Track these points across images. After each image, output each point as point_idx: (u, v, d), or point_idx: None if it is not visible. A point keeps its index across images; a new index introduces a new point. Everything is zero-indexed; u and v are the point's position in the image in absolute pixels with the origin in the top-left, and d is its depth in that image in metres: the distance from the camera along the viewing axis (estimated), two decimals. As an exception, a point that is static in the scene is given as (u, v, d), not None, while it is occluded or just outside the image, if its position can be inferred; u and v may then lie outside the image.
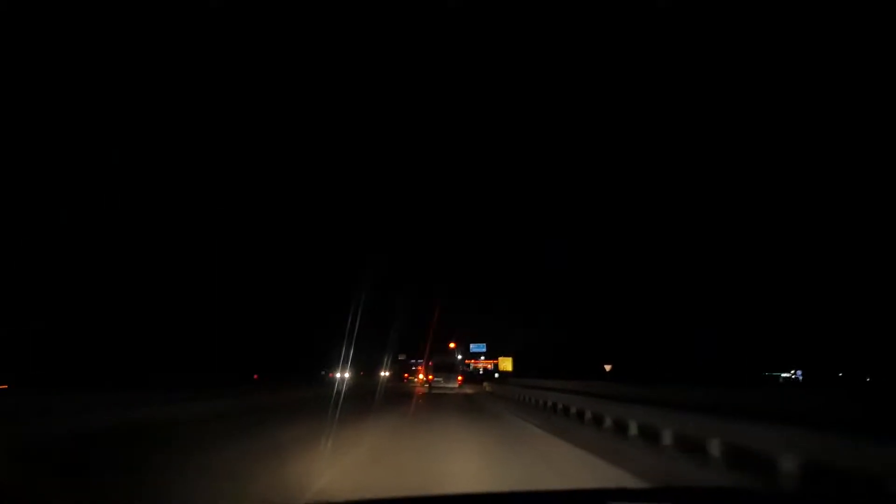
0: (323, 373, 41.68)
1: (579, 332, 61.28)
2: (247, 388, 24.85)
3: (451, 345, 62.25)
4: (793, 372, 69.90)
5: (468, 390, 40.99)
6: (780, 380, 63.84)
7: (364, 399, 23.42)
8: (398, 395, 31.69)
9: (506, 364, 66.33)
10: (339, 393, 20.59)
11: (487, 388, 40.44)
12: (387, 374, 51.51)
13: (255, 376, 36.32)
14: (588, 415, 14.97)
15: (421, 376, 46.41)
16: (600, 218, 74.38)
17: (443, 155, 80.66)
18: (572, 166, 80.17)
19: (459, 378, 43.98)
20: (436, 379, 43.02)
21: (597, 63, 58.61)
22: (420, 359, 77.32)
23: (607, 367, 35.71)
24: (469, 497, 3.20)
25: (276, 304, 45.71)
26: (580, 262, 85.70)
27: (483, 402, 26.60)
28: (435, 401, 26.31)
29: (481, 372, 75.99)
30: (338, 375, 35.30)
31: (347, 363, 32.06)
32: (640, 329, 58.45)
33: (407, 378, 65.71)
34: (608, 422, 13.35)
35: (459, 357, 60.27)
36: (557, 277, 74.76)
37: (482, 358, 79.70)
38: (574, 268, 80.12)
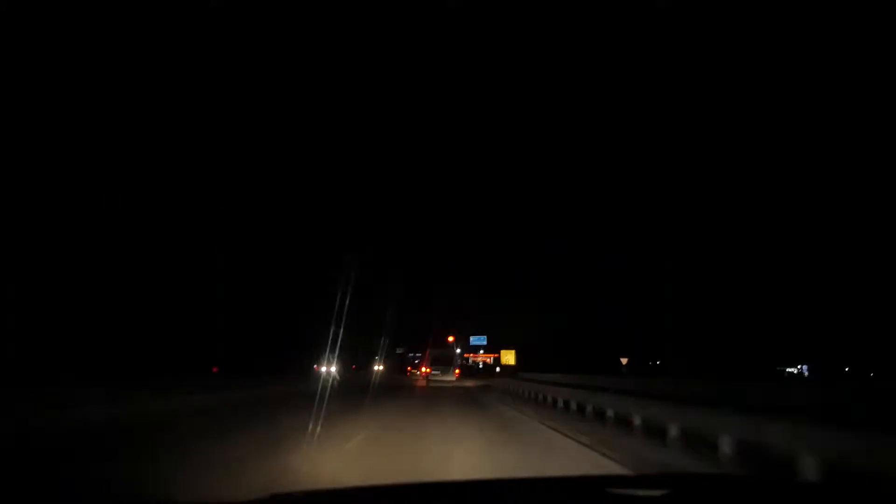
0: (315, 367, 38.95)
1: (589, 323, 60.43)
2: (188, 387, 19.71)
3: (450, 338, 62.31)
4: (798, 367, 69.26)
5: (468, 384, 41.21)
6: (785, 374, 63.18)
7: (351, 397, 21.22)
8: (393, 390, 30.26)
9: (508, 357, 63.81)
10: (323, 390, 18.76)
11: (491, 384, 37.97)
12: (380, 367, 49.57)
13: (215, 369, 32.02)
14: (673, 431, 10.16)
15: (425, 369, 47.56)
16: (603, 209, 73.71)
17: (442, 150, 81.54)
18: (572, 163, 79.99)
19: (457, 371, 46.06)
20: (433, 372, 44.74)
21: (597, 63, 59.80)
22: (419, 352, 76.97)
23: (624, 361, 34.17)
24: (464, 484, 3.04)
25: (251, 292, 42.37)
26: (586, 250, 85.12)
27: (495, 404, 22.39)
28: (435, 399, 24.85)
29: (481, 366, 74.97)
30: (323, 369, 32.44)
31: (335, 356, 29.89)
32: (652, 322, 57.69)
33: (410, 371, 65.31)
34: (728, 444, 8.85)
35: (458, 351, 61.09)
36: (562, 265, 74.10)
37: (481, 352, 78.50)
38: (579, 256, 79.49)
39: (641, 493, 2.44)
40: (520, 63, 60.19)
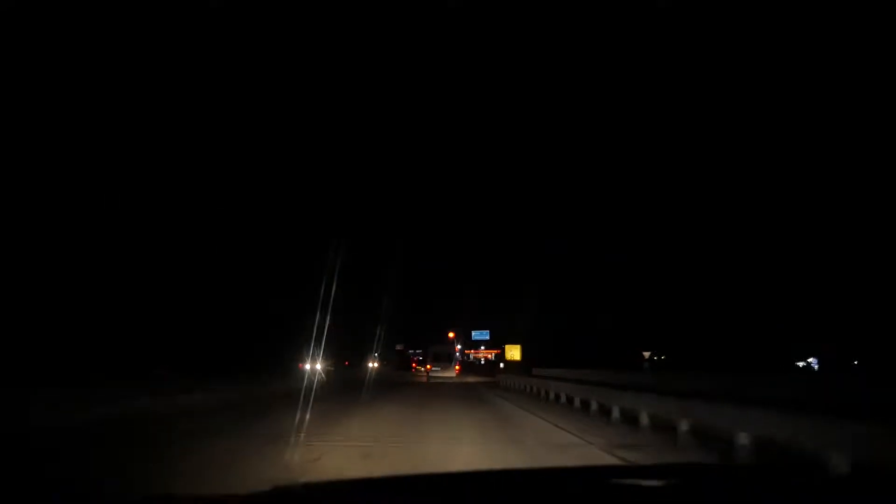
0: (300, 364, 34.74)
1: (594, 319, 58.29)
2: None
3: (451, 334, 61.28)
4: (808, 360, 67.69)
5: (470, 379, 41.43)
6: (792, 368, 61.70)
7: (338, 397, 18.52)
8: (391, 388, 27.46)
9: (513, 353, 60.63)
10: (307, 390, 16.02)
11: (497, 381, 34.49)
12: (375, 365, 47.11)
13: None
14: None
15: (429, 365, 49.27)
16: (603, 209, 72.26)
17: (442, 150, 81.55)
18: (571, 163, 78.87)
19: (457, 367, 47.91)
20: (434, 368, 46.65)
21: (597, 63, 60.06)
22: (419, 349, 76.13)
23: (646, 354, 31.51)
24: (465, 475, 2.85)
25: (235, 286, 39.09)
26: (586, 250, 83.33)
27: (507, 406, 17.91)
28: (436, 398, 22.19)
29: (482, 362, 73.03)
30: (308, 367, 28.97)
31: (320, 352, 26.61)
32: (656, 317, 55.66)
33: (416, 368, 64.64)
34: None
35: (459, 347, 61.86)
36: (562, 265, 72.35)
37: (482, 348, 76.39)
38: (579, 255, 77.67)
39: (645, 483, 2.40)
40: (520, 63, 60.08)
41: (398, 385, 30.41)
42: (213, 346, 35.41)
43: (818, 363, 64.90)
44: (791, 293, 50.92)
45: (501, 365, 57.59)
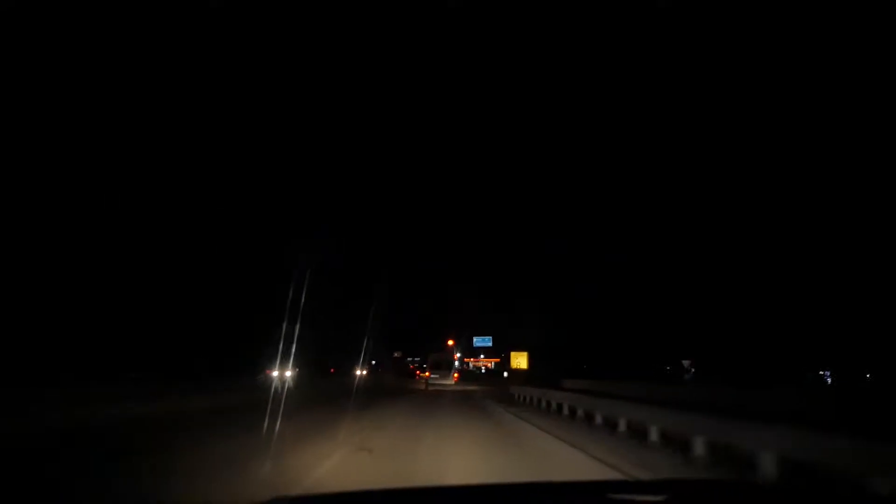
0: (267, 370, 30.02)
1: (604, 324, 56.06)
2: None
3: (450, 342, 59.35)
4: (821, 372, 65.86)
5: (470, 388, 40.58)
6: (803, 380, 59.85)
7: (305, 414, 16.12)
8: (387, 400, 24.68)
9: (520, 360, 56.33)
10: (275, 402, 13.29)
11: (508, 394, 29.06)
12: (363, 372, 44.24)
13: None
14: None
15: (428, 373, 50.46)
16: (603, 209, 71.19)
17: (442, 150, 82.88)
18: (571, 163, 79.24)
19: (455, 375, 49.52)
20: (433, 375, 47.69)
21: (597, 63, 59.99)
22: (417, 356, 74.63)
23: (686, 363, 28.47)
24: (465, 489, 3.02)
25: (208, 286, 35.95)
26: (586, 250, 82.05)
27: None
28: (444, 422, 19.54)
29: (483, 371, 70.67)
30: (275, 374, 25.58)
31: (290, 356, 23.63)
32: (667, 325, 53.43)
33: (419, 376, 63.24)
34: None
35: (458, 355, 61.64)
36: (562, 265, 70.82)
37: (482, 356, 73.76)
38: (579, 255, 76.31)
39: (641, 498, 2.37)
40: (520, 63, 61.19)
41: (393, 395, 27.37)
42: (197, 350, 33.23)
43: (830, 375, 62.86)
44: (799, 301, 49.50)
45: (505, 374, 54.59)
